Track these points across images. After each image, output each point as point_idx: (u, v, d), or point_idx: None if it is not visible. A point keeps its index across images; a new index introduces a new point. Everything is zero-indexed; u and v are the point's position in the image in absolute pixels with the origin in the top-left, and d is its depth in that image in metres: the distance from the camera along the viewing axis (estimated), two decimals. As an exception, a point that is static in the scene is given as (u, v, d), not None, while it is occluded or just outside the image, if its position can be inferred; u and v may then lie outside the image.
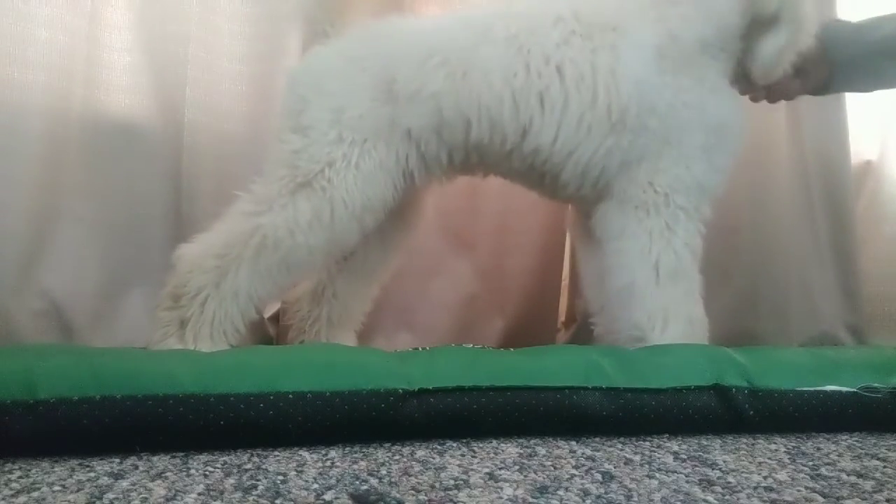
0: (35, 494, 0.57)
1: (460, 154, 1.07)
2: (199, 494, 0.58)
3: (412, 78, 1.01)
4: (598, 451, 0.74)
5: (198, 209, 1.25)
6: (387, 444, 0.74)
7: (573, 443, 0.77)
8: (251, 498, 0.57)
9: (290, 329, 1.24)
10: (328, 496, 0.58)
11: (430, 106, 1.02)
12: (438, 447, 0.74)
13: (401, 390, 0.75)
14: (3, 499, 0.56)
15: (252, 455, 0.69)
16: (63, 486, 0.59)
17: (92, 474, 0.62)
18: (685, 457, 0.73)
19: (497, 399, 0.77)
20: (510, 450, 0.73)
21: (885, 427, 0.86)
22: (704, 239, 1.04)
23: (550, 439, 0.78)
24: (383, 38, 1.05)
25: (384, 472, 0.65)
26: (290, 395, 0.72)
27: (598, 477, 0.65)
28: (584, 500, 0.58)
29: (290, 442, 0.72)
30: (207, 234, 1.02)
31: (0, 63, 1.12)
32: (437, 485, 0.61)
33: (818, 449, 0.78)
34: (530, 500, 0.58)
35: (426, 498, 0.58)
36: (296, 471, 0.64)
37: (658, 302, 1.00)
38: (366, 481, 0.62)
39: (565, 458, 0.70)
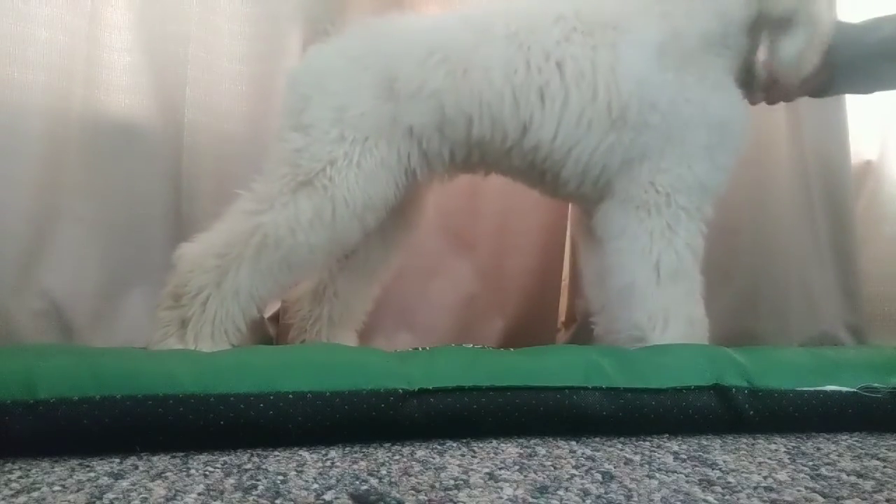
0: (35, 494, 0.57)
1: (462, 151, 1.07)
2: (199, 494, 0.58)
3: (413, 76, 1.01)
4: (598, 451, 0.74)
5: (198, 209, 1.25)
6: (387, 444, 0.74)
7: (573, 443, 0.77)
8: (251, 498, 0.57)
9: (291, 328, 1.24)
10: (328, 496, 0.58)
11: (432, 104, 1.02)
12: (438, 447, 0.74)
13: (401, 390, 0.75)
14: (3, 499, 0.56)
15: (252, 455, 0.69)
16: (63, 486, 0.59)
17: (92, 474, 0.62)
18: (685, 457, 0.73)
19: (497, 399, 0.77)
20: (510, 450, 0.73)
21: (885, 427, 0.86)
22: (705, 239, 1.04)
23: (550, 439, 0.78)
24: (384, 36, 1.05)
25: (384, 472, 0.65)
26: (290, 395, 0.72)
27: (598, 477, 0.65)
28: (584, 500, 0.58)
29: (290, 442, 0.72)
30: (208, 234, 1.02)
31: (0, 63, 1.12)
32: (437, 485, 0.61)
33: (818, 449, 0.78)
34: (530, 500, 0.58)
35: (426, 498, 0.58)
36: (296, 471, 0.64)
37: (658, 302, 1.00)
38: (366, 481, 0.62)
39: (565, 458, 0.70)
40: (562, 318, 1.52)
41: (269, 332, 1.32)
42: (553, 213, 1.42)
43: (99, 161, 1.22)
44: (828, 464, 0.72)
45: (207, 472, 0.64)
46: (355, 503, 0.56)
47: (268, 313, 1.31)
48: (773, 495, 0.61)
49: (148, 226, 1.25)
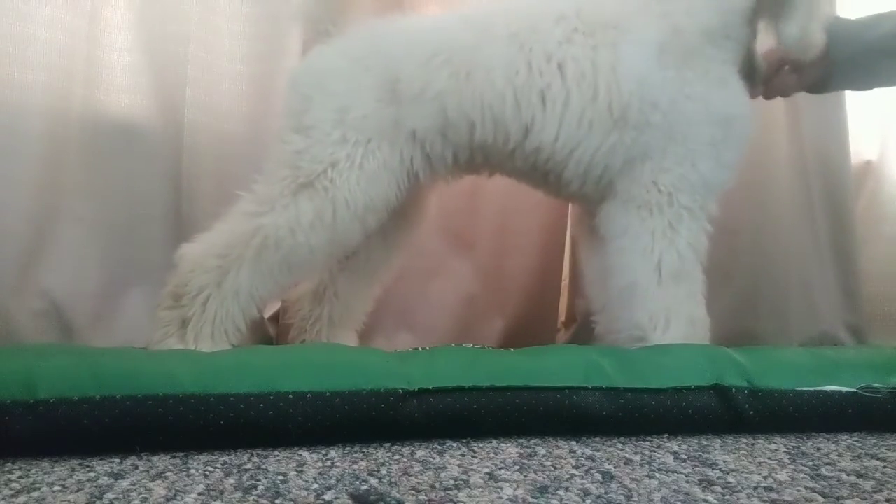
0: (35, 494, 0.57)
1: (465, 154, 1.07)
2: (199, 494, 0.58)
3: (416, 78, 1.01)
4: (598, 451, 0.74)
5: (198, 209, 1.25)
6: (387, 444, 0.74)
7: (573, 443, 0.77)
8: (251, 498, 0.57)
9: (292, 328, 1.24)
10: (328, 496, 0.58)
11: (435, 106, 1.01)
12: (438, 447, 0.74)
13: (401, 390, 0.75)
14: (3, 499, 0.56)
15: (252, 455, 0.69)
16: (63, 486, 0.59)
17: (92, 474, 0.62)
18: (685, 457, 0.73)
19: (497, 399, 0.77)
20: (510, 450, 0.73)
21: (885, 427, 0.86)
22: (708, 238, 1.04)
23: (550, 439, 0.78)
24: (386, 37, 1.05)
25: (384, 472, 0.65)
26: (290, 395, 0.72)
27: (598, 477, 0.65)
28: (584, 500, 0.58)
29: (290, 442, 0.72)
30: (209, 234, 1.02)
31: (0, 63, 1.12)
32: (437, 485, 0.61)
33: (818, 449, 0.78)
34: (530, 500, 0.58)
35: (426, 498, 0.58)
36: (296, 471, 0.64)
37: (660, 302, 1.00)
38: (366, 481, 0.62)
39: (565, 458, 0.70)
40: (562, 318, 1.52)
41: (269, 332, 1.32)
42: (553, 213, 1.42)
43: (99, 161, 1.22)
44: (828, 464, 0.72)
45: (207, 472, 0.64)
46: (355, 503, 0.56)
47: (268, 313, 1.31)
48: (773, 495, 0.61)
49: (148, 226, 1.25)
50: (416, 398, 0.75)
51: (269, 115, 1.27)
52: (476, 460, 0.69)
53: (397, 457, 0.70)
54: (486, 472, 0.65)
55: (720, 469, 0.69)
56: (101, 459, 0.67)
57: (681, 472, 0.67)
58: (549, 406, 0.78)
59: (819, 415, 0.85)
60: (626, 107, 0.99)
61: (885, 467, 0.71)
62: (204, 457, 0.68)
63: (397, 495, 0.58)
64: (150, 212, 1.25)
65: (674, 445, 0.77)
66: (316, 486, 0.60)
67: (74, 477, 0.62)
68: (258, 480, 0.61)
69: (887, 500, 0.60)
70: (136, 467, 0.65)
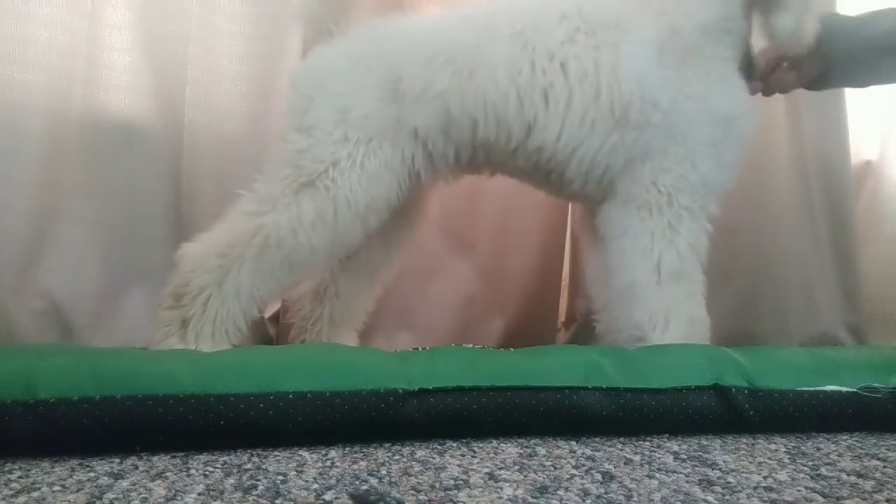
0: (35, 494, 0.57)
1: (467, 153, 1.07)
2: (199, 494, 0.58)
3: (418, 77, 1.01)
4: (598, 451, 0.74)
5: (198, 209, 1.25)
6: (387, 444, 0.74)
7: (573, 443, 0.77)
8: (251, 498, 0.57)
9: (292, 328, 1.24)
10: (328, 496, 0.58)
11: (437, 105, 1.01)
12: (438, 447, 0.74)
13: (401, 390, 0.75)
14: (3, 499, 0.56)
15: (252, 455, 0.69)
16: (63, 486, 0.59)
17: (92, 474, 0.62)
18: (685, 457, 0.73)
19: (497, 399, 0.77)
20: (510, 450, 0.73)
21: (885, 427, 0.86)
22: (708, 238, 1.03)
23: (550, 439, 0.78)
24: (388, 37, 1.05)
25: (384, 472, 0.65)
26: (290, 395, 0.72)
27: (598, 477, 0.65)
28: (584, 500, 0.58)
29: (290, 442, 0.72)
30: (210, 234, 1.02)
31: (0, 63, 1.12)
32: (437, 485, 0.61)
33: (818, 449, 0.78)
34: (530, 500, 0.58)
35: (426, 498, 0.58)
36: (296, 471, 0.64)
37: (659, 302, 1.00)
38: (366, 481, 0.62)
39: (565, 458, 0.71)
40: (562, 318, 1.52)
41: (270, 332, 1.32)
42: (553, 212, 1.42)
43: (99, 161, 1.22)
44: (828, 464, 0.72)
45: (207, 472, 0.64)
46: (355, 503, 0.56)
47: (268, 313, 1.31)
48: (773, 495, 0.61)
49: (148, 226, 1.25)
50: (416, 398, 0.76)
51: (269, 115, 1.27)
52: (476, 460, 0.69)
53: (397, 457, 0.70)
54: (486, 472, 0.65)
55: (720, 469, 0.69)
56: (101, 459, 0.67)
57: (681, 472, 0.67)
58: (549, 406, 0.78)
59: (819, 415, 0.85)
60: (627, 106, 0.99)
61: (885, 467, 0.71)
62: (204, 457, 0.68)
63: (397, 495, 0.58)
64: (150, 212, 1.25)
65: (674, 445, 0.77)
66: (316, 486, 0.60)
67: (74, 477, 0.62)
68: (258, 480, 0.61)
69: (887, 500, 0.60)
70: (136, 467, 0.65)
